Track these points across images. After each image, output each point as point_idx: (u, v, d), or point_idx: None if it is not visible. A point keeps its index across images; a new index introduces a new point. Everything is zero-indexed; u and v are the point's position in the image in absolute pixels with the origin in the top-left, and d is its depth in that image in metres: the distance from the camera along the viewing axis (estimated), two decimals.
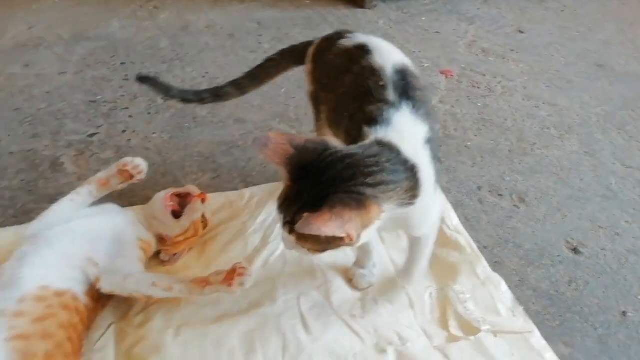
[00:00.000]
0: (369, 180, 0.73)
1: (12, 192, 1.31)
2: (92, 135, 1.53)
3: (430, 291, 1.06)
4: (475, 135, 1.58)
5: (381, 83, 0.87)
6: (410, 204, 0.78)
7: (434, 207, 0.89)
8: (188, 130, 1.57)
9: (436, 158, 0.84)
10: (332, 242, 0.72)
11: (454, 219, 1.19)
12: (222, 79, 1.82)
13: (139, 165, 1.08)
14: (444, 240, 1.13)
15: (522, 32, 2.26)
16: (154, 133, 1.55)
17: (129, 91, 1.74)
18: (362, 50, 0.94)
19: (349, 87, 0.93)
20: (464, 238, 1.14)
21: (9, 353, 0.80)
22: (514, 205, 1.32)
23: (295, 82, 1.83)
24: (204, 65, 1.90)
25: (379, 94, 0.86)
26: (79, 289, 0.94)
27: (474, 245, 1.13)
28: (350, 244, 0.72)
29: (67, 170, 1.39)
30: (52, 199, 1.28)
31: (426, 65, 1.95)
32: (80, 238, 0.99)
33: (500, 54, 2.05)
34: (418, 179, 0.78)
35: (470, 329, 0.97)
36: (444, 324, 1.00)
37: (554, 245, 1.21)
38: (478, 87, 1.83)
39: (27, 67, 1.84)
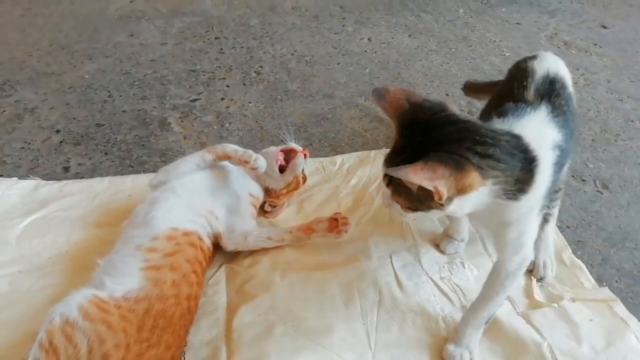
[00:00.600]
0: (478, 148, 0.70)
1: (127, 145, 1.46)
2: (194, 100, 1.66)
3: None
4: None
5: (525, 83, 0.90)
6: (515, 198, 0.74)
7: (534, 225, 0.83)
8: (280, 101, 1.68)
9: (558, 171, 0.80)
10: (423, 201, 0.72)
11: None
12: (309, 57, 1.93)
13: (259, 166, 1.12)
14: None
15: (605, 27, 2.24)
16: (249, 102, 1.67)
17: (224, 63, 1.86)
18: (530, 57, 0.98)
19: (502, 86, 0.99)
20: (550, 226, 1.17)
21: (143, 280, 0.92)
22: (597, 191, 1.35)
23: (379, 63, 1.91)
24: (292, 44, 2.01)
25: (519, 93, 0.88)
26: (203, 232, 1.05)
27: (559, 234, 1.18)
28: (441, 208, 0.71)
29: (173, 129, 1.53)
30: (163, 153, 1.44)
31: (507, 54, 1.98)
32: (203, 191, 1.11)
33: (583, 48, 2.05)
34: (533, 174, 0.74)
35: (553, 297, 1.03)
36: (527, 292, 1.05)
37: (638, 230, 1.24)
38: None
39: (132, 36, 2.00)
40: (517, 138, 0.75)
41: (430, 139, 0.71)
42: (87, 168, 1.36)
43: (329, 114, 1.63)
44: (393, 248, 1.15)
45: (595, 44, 2.08)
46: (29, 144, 1.43)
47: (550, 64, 0.95)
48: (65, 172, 1.34)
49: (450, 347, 0.92)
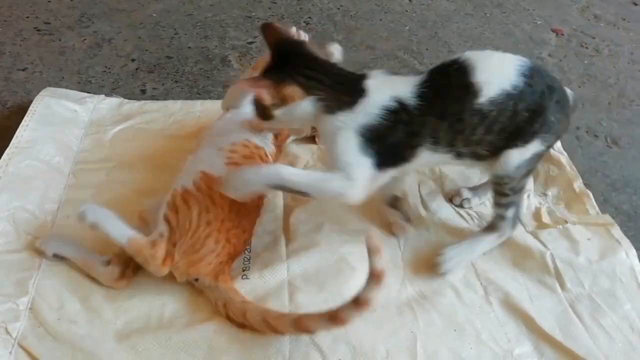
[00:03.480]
0: (307, 72, 0.91)
1: (194, 76, 1.66)
2: (250, 42, 1.85)
3: (529, 194, 1.30)
4: (579, 87, 1.77)
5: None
6: (331, 112, 0.92)
7: (359, 158, 0.93)
8: None
9: (397, 124, 0.92)
10: (264, 110, 0.93)
11: (558, 143, 1.41)
12: (353, 12, 2.09)
13: None
14: (547, 156, 1.35)
15: (636, 4, 2.34)
16: None
17: (276, 12, 2.03)
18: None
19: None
20: (565, 158, 1.35)
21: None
22: (607, 146, 1.52)
23: (418, 22, 2.07)
24: None
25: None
26: (268, 150, 1.20)
27: (573, 165, 1.35)
28: (274, 115, 0.93)
29: (233, 66, 1.72)
30: (225, 85, 1.63)
31: (539, 22, 2.11)
32: None
33: (612, 21, 2.17)
34: (355, 100, 0.92)
35: (558, 220, 1.21)
36: (537, 216, 1.24)
37: (639, 179, 1.41)
38: (586, 47, 1.99)
39: None
40: (360, 77, 0.96)
41: (282, 65, 0.93)
42: (160, 92, 1.56)
43: (371, 63, 1.81)
44: (421, 178, 1.34)
45: (624, 19, 2.20)
46: (109, 68, 1.64)
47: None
48: (143, 94, 1.55)
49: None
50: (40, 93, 1.40)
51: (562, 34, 2.05)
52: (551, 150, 1.38)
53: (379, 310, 1.00)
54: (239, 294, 0.99)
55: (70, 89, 1.53)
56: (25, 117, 1.30)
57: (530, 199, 1.29)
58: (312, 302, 1.00)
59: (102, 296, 0.99)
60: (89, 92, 1.52)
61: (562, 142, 1.47)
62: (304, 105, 0.92)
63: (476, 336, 0.97)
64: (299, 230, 1.15)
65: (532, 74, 0.97)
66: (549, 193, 1.30)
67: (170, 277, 1.00)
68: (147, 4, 1.98)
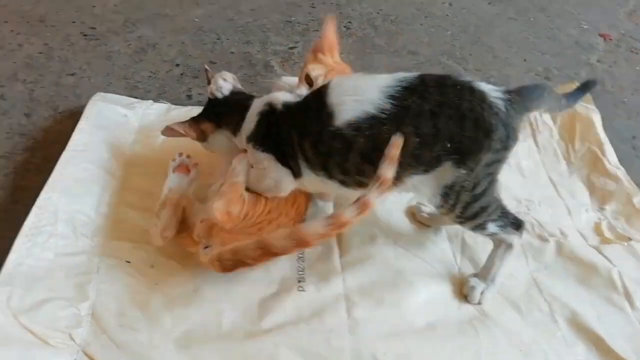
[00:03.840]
0: (216, 109, 1.08)
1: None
2: (291, 48, 1.84)
3: (587, 208, 1.26)
4: (632, 94, 1.71)
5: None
6: (234, 134, 1.05)
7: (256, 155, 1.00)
8: (369, 54, 1.84)
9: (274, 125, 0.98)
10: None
11: (614, 157, 1.35)
12: (393, 17, 2.07)
13: None
14: (603, 171, 1.32)
15: None
16: (341, 53, 1.80)
17: (316, 17, 2.02)
18: None
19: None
20: (622, 173, 1.30)
21: None
22: None
23: (460, 27, 2.03)
24: (377, 3, 2.13)
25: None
26: None
27: (631, 180, 1.30)
28: (204, 142, 1.10)
29: (277, 71, 1.71)
30: (269, 91, 1.62)
31: (585, 27, 2.06)
32: None
33: None
34: (242, 121, 1.02)
35: (622, 237, 1.17)
36: (598, 231, 1.20)
37: None
38: (636, 53, 1.93)
39: None
40: (249, 98, 1.06)
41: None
42: (206, 97, 1.54)
43: (414, 69, 1.76)
44: None
45: None
46: (155, 73, 1.64)
47: None
48: (189, 100, 1.55)
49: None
50: (93, 98, 1.41)
51: (611, 39, 1.99)
52: (607, 164, 1.34)
53: (440, 329, 0.98)
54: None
55: (117, 93, 1.54)
56: (80, 121, 1.31)
57: (588, 213, 1.25)
58: (371, 318, 0.98)
59: (161, 302, 0.99)
60: (137, 97, 1.53)
61: (618, 153, 1.43)
62: (220, 135, 1.08)
63: (544, 357, 0.94)
64: (352, 241, 1.13)
65: (410, 93, 0.87)
66: (607, 208, 1.26)
67: (225, 284, 1.00)
68: (189, 9, 1.98)
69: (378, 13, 2.08)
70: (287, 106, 0.98)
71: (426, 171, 0.91)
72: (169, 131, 1.07)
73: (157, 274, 1.04)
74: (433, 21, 2.06)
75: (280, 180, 0.99)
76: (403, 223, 1.19)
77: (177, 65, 1.69)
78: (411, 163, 0.89)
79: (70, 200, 1.12)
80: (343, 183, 0.96)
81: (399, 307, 0.99)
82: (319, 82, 1.04)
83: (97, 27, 1.82)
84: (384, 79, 0.90)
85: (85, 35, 1.78)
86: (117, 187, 1.20)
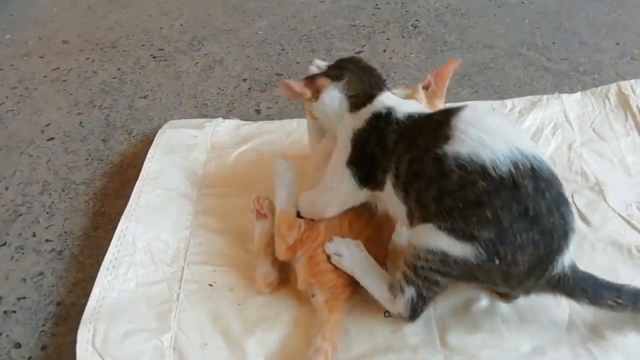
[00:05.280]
0: (334, 72, 1.00)
1: None
2: (358, 52, 1.77)
3: None
4: None
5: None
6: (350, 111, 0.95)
7: (341, 178, 0.94)
8: (441, 52, 1.73)
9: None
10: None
11: None
12: (463, 10, 1.95)
13: None
14: None
15: None
16: (411, 53, 1.74)
17: (381, 18, 1.94)
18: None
19: None
20: None
21: None
22: None
23: (538, 14, 1.88)
24: None
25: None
26: None
27: None
28: (313, 104, 0.98)
29: None
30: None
31: None
32: None
33: None
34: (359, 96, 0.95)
35: None
36: None
37: None
38: None
39: None
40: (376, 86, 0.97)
41: None
42: (275, 111, 1.53)
43: (491, 64, 1.65)
44: (574, 187, 1.18)
45: None
46: (223, 90, 1.63)
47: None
48: (258, 114, 1.52)
49: None
50: (163, 127, 1.42)
51: None
52: None
53: (550, 353, 0.86)
54: (335, 332, 0.90)
55: (188, 113, 1.54)
56: (150, 150, 1.31)
57: None
58: (466, 346, 0.89)
59: (240, 328, 0.94)
60: (206, 115, 1.52)
61: None
62: (330, 93, 0.96)
63: None
64: None
65: (532, 175, 0.78)
66: None
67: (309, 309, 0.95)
68: (252, 21, 1.97)
69: (446, 7, 1.97)
70: (410, 117, 0.90)
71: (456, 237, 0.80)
72: (285, 89, 0.98)
73: (238, 297, 1.00)
74: (508, 10, 1.92)
75: (340, 189, 0.94)
76: None
77: (244, 80, 1.67)
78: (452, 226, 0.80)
79: (147, 227, 1.11)
80: (409, 210, 0.87)
81: (499, 335, 0.89)
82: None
83: (165, 48, 1.85)
84: (522, 142, 0.81)
85: (154, 57, 1.81)
86: (193, 210, 1.18)
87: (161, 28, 1.97)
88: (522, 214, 0.76)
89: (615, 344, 0.87)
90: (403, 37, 1.83)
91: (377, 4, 2.03)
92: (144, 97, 1.62)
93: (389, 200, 0.91)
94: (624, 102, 1.38)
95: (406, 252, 0.89)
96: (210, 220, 1.17)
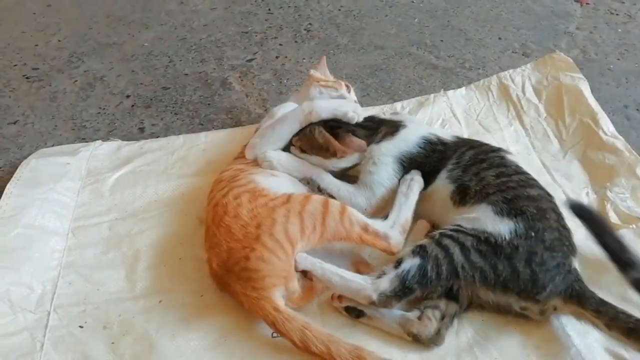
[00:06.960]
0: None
1: (194, 105, 1.53)
2: (250, 60, 1.71)
3: (587, 191, 1.14)
4: (618, 59, 1.59)
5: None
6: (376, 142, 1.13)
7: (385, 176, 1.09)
8: (334, 55, 1.71)
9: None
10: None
11: (610, 126, 1.24)
12: (356, 12, 1.94)
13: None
14: (599, 144, 1.20)
15: None
16: (304, 58, 1.71)
17: (274, 23, 1.90)
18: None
19: None
20: (621, 143, 1.19)
21: None
22: None
23: (427, 12, 1.91)
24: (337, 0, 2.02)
25: None
26: None
27: (631, 149, 1.18)
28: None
29: (235, 88, 1.59)
30: (228, 110, 1.51)
31: None
32: None
33: None
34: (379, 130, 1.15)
35: (630, 219, 1.05)
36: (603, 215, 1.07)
37: None
38: (616, 14, 1.80)
39: (182, 4, 2.04)
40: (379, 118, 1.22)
41: None
42: (160, 128, 1.44)
43: (383, 65, 1.66)
44: None
45: None
46: (104, 109, 1.52)
47: None
48: (141, 133, 1.43)
49: None
50: (29, 157, 1.29)
51: (588, 3, 1.86)
52: (604, 136, 1.22)
53: None
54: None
55: (64, 136, 1.42)
56: (8, 185, 1.17)
57: (589, 197, 1.13)
58: None
59: None
60: (85, 138, 1.41)
61: (613, 125, 1.30)
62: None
63: None
64: None
65: (545, 207, 0.98)
66: (609, 185, 1.13)
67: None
68: (138, 33, 1.86)
69: (339, 10, 1.96)
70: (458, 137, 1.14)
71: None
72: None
73: (111, 335, 0.93)
74: (398, 10, 1.94)
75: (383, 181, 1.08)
76: None
77: (128, 96, 1.56)
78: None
79: (4, 272, 0.99)
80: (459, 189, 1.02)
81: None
82: None
83: (40, 67, 1.70)
84: None
85: (27, 77, 1.66)
86: (62, 247, 1.08)
87: (36, 45, 1.81)
88: (555, 207, 0.98)
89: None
90: (296, 41, 1.79)
91: (269, 9, 1.98)
92: (14, 123, 1.47)
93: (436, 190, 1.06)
94: (504, 92, 1.42)
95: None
96: (84, 254, 1.07)
